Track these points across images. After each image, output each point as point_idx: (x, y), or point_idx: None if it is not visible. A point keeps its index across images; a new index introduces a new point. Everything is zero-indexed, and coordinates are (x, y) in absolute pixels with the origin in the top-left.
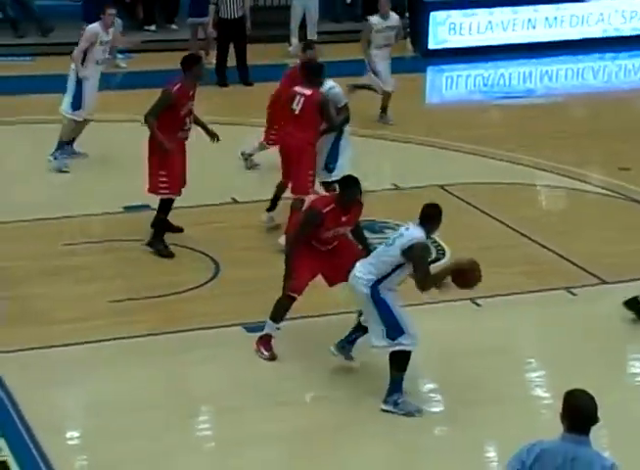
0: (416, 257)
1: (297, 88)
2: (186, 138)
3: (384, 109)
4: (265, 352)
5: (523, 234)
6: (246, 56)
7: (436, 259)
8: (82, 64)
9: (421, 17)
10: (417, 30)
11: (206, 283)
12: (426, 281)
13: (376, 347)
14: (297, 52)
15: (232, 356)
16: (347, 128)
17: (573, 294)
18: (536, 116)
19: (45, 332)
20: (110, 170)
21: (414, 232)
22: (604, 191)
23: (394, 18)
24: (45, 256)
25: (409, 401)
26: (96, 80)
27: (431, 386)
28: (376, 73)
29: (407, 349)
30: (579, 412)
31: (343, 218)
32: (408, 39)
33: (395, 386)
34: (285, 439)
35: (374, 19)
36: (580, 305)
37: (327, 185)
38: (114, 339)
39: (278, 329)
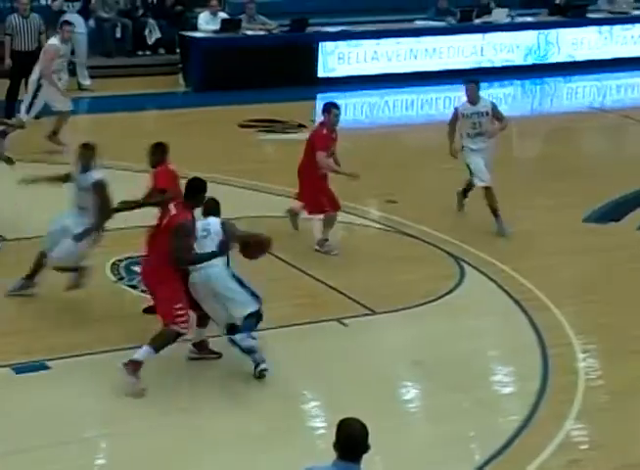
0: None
1: None
2: None
3: None
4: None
5: (295, 267)
6: None
7: None
8: None
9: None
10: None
11: None
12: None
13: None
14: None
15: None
16: None
17: (345, 325)
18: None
19: None
20: None
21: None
22: (373, 223)
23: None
24: None
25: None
26: None
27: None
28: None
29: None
30: (349, 439)
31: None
32: (180, 74)
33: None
34: None
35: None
36: (352, 336)
37: None
38: None
39: None
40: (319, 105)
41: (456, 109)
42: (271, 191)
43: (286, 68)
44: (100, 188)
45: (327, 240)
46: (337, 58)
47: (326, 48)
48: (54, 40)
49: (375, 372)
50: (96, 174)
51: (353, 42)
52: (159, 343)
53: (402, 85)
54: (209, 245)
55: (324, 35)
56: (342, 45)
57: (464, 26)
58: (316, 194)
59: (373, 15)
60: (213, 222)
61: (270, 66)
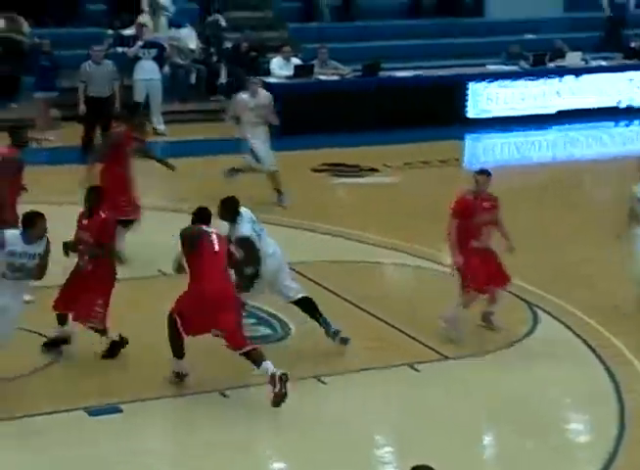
0: None
1: None
2: None
3: (278, 191)
4: None
5: (366, 311)
6: None
7: (282, 338)
8: None
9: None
10: None
11: None
12: None
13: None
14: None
15: None
16: None
17: (417, 370)
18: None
19: None
20: None
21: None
22: (439, 267)
23: (264, 95)
24: None
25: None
26: None
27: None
28: (255, 153)
29: None
30: None
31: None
32: None
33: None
34: None
35: (244, 96)
36: (424, 381)
37: None
38: None
39: None
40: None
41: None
42: (345, 235)
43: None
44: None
45: (492, 313)
46: (486, 98)
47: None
48: (244, 94)
49: (448, 418)
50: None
51: (503, 82)
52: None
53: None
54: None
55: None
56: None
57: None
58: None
59: (443, 59)
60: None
61: (341, 110)
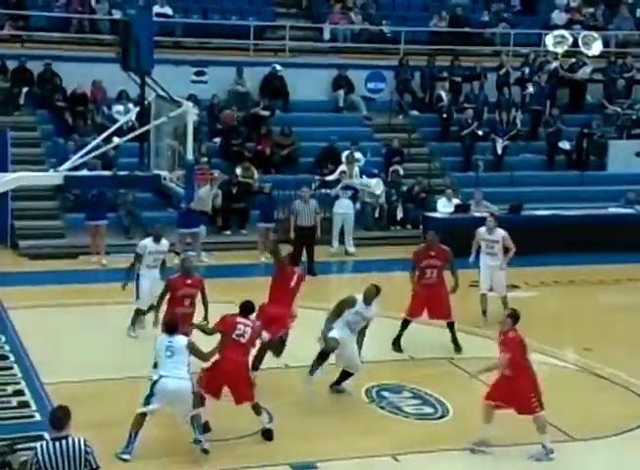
0: None
1: None
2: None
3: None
4: None
5: None
6: (314, 255)
7: (442, 416)
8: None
9: None
10: None
11: None
12: None
13: None
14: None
15: None
16: None
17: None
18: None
19: None
20: None
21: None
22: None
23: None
24: None
25: None
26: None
27: None
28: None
29: None
30: None
31: None
32: None
33: None
34: None
35: (481, 230)
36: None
37: None
38: None
39: None
40: None
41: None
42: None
43: None
44: None
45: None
46: None
47: None
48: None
49: None
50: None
51: None
52: None
53: None
54: None
55: None
56: None
57: None
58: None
59: (573, 202)
60: None
61: None
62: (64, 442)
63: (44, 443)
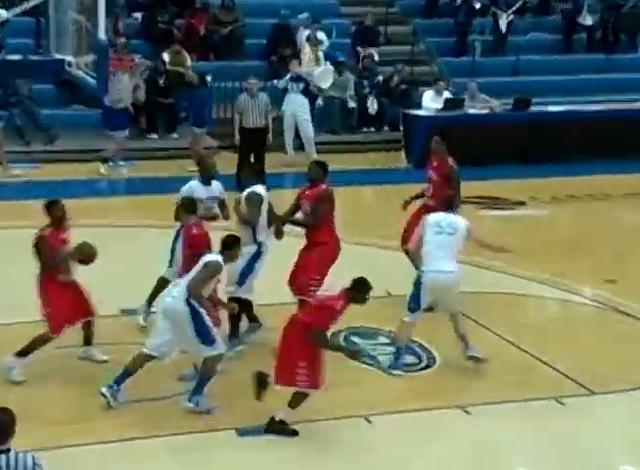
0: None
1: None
2: None
3: None
4: None
5: (512, 343)
6: (264, 163)
7: (427, 366)
8: None
9: None
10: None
11: None
12: None
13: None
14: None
15: None
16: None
17: (562, 403)
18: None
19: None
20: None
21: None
22: (592, 302)
23: None
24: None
25: (206, 401)
26: None
27: None
28: None
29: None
30: None
31: None
32: (402, 151)
33: (200, 387)
34: None
35: None
36: (569, 416)
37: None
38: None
39: None
40: None
41: None
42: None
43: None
44: None
45: None
46: None
47: None
48: None
49: (595, 455)
50: None
51: None
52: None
53: None
54: None
55: None
56: None
57: None
58: None
59: (596, 94)
60: None
61: (490, 143)
62: (3, 457)
63: None
